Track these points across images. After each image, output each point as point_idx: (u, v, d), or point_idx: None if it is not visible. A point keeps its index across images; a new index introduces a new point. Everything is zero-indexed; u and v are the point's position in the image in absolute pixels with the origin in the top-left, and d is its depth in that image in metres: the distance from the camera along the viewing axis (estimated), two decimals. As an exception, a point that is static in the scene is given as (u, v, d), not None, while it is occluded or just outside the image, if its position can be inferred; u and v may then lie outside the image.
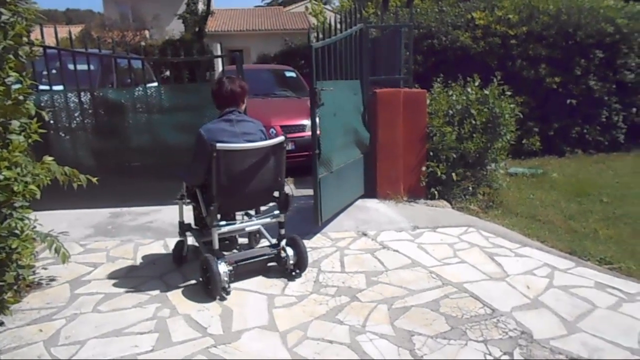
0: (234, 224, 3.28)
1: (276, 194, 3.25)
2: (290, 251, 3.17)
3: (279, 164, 3.10)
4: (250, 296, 3.00)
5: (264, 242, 3.59)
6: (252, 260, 3.27)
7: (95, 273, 3.39)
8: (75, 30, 21.36)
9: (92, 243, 3.94)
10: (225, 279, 2.96)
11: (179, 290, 3.10)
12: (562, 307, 2.77)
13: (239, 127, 3.04)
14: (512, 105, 4.90)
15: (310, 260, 3.36)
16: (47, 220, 4.41)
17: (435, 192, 4.78)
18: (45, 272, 3.40)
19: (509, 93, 4.97)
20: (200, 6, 21.66)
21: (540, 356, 2.33)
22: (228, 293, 2.98)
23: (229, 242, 3.70)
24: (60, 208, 4.61)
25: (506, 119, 4.84)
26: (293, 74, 8.01)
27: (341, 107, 4.16)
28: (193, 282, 3.20)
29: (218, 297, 2.96)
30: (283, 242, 3.22)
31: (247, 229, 3.39)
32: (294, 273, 3.18)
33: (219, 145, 2.84)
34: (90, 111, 4.76)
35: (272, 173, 3.09)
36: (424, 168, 4.74)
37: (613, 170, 6.78)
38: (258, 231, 3.57)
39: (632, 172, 6.60)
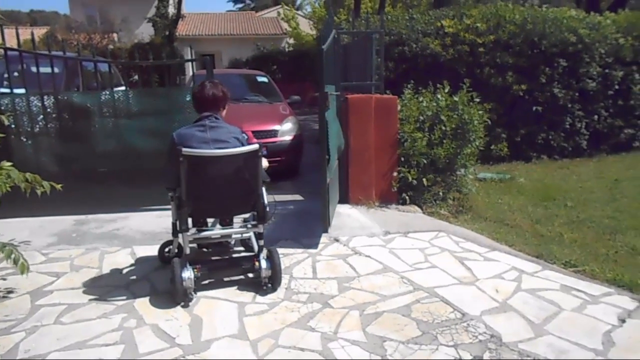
0: (205, 230, 3.24)
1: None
2: (264, 263, 3.05)
3: (254, 172, 2.97)
4: (220, 304, 2.94)
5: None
6: (225, 268, 3.26)
7: (58, 283, 3.27)
8: (40, 32, 20.76)
9: (55, 252, 3.80)
10: (190, 285, 2.91)
11: (146, 299, 3.02)
12: (529, 310, 2.81)
13: (211, 133, 2.97)
14: (480, 112, 5.00)
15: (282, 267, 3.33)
16: (7, 229, 4.27)
17: (407, 198, 4.82)
18: (3, 282, 3.26)
19: (477, 100, 5.06)
20: (171, 10, 21.39)
21: (509, 359, 2.36)
22: (190, 299, 2.93)
23: (219, 248, 3.65)
24: (22, 215, 4.46)
25: (475, 125, 4.92)
26: (265, 79, 7.97)
27: (334, 112, 4.15)
28: (161, 291, 3.11)
29: (182, 304, 2.91)
30: (263, 254, 3.10)
31: (225, 235, 3.39)
32: (265, 287, 3.06)
33: (184, 150, 2.80)
34: (54, 115, 4.61)
35: (245, 182, 2.97)
36: (395, 173, 4.77)
37: (577, 175, 6.98)
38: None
39: (595, 177, 6.82)
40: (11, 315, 2.85)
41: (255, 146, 2.97)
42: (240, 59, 20.16)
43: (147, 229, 4.26)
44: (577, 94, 7.92)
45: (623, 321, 2.70)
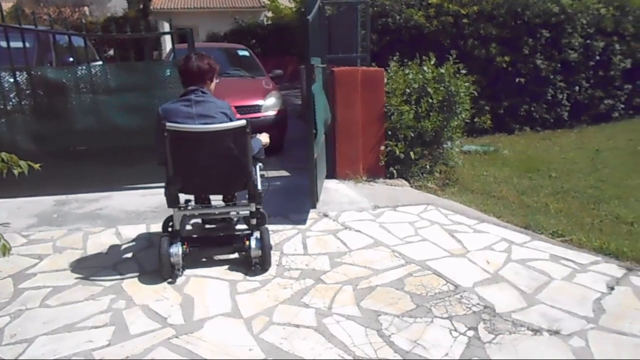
0: (198, 207, 3.22)
1: None
2: (254, 243, 2.96)
3: (242, 149, 2.84)
4: (211, 283, 2.90)
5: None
6: (215, 246, 3.22)
7: (41, 265, 3.17)
8: (6, 6, 19.85)
9: (36, 233, 3.68)
10: (177, 260, 2.88)
11: (135, 279, 2.95)
12: (520, 281, 2.84)
13: (196, 108, 2.85)
14: (467, 84, 4.96)
15: (272, 243, 3.29)
16: (-17, 211, 4.13)
17: (394, 171, 4.80)
18: (-16, 266, 3.14)
19: (463, 71, 5.02)
20: (145, -19, 20.60)
21: (503, 329, 2.38)
22: (177, 276, 2.91)
23: (222, 224, 3.61)
24: (-1, 197, 4.30)
25: (462, 97, 4.89)
26: (246, 53, 7.77)
27: (320, 85, 4.05)
28: (149, 270, 3.05)
29: (169, 280, 2.88)
30: (256, 234, 3.00)
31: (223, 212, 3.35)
32: (253, 267, 2.99)
33: (168, 125, 2.72)
34: (27, 92, 4.41)
35: (234, 159, 2.85)
36: (382, 147, 4.73)
37: (559, 146, 7.06)
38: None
39: (576, 147, 6.90)
40: (-7, 299, 2.76)
41: (243, 122, 2.82)
42: (218, 33, 19.65)
43: (131, 208, 4.16)
44: (559, 65, 7.96)
45: (612, 288, 2.75)
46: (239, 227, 3.61)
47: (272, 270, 3.03)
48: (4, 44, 4.37)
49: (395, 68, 5.15)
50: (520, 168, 5.76)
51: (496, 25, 7.60)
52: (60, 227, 3.80)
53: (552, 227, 3.72)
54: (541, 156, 6.41)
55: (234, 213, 3.37)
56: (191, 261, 3.06)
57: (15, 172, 3.13)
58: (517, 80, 7.81)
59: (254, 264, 3.00)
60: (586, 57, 8.11)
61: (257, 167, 3.21)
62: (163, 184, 4.27)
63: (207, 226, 3.65)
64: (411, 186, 4.74)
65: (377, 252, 3.26)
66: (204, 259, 3.17)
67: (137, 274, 3.03)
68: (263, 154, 3.29)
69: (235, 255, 3.18)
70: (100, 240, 3.54)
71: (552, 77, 7.95)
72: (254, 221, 3.09)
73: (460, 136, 5.23)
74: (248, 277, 2.95)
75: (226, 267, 3.09)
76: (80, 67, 4.49)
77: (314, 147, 3.70)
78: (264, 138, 3.33)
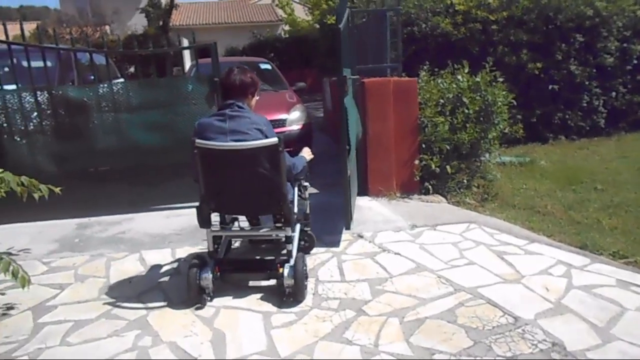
0: (228, 228, 3.06)
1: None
2: (287, 271, 2.72)
3: (275, 168, 2.62)
4: (243, 315, 2.66)
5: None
6: (248, 271, 3.02)
7: (62, 296, 2.98)
8: (30, 27, 20.26)
9: (57, 260, 3.51)
10: (207, 284, 2.73)
11: (161, 312, 2.73)
12: (588, 311, 2.53)
13: (230, 123, 2.67)
14: (504, 92, 4.68)
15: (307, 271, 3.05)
16: (4, 235, 3.98)
17: (430, 187, 4.52)
18: (3, 298, 2.96)
19: (500, 80, 4.74)
20: (163, -1, 20.86)
21: (579, 371, 2.08)
22: (206, 301, 2.74)
23: (271, 244, 3.47)
24: (20, 220, 4.18)
25: (499, 107, 4.61)
26: (268, 66, 7.61)
27: (351, 98, 3.82)
28: (176, 301, 2.82)
29: (197, 305, 2.72)
30: (291, 260, 2.78)
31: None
32: (284, 298, 2.73)
33: (197, 141, 2.60)
34: (49, 112, 4.27)
35: (265, 178, 2.64)
36: (416, 162, 4.46)
37: (599, 155, 6.69)
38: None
39: (618, 157, 6.52)
40: (12, 336, 2.57)
41: (274, 139, 2.62)
42: (236, 48, 19.73)
43: (155, 231, 3.96)
44: (594, 71, 7.59)
45: (696, 320, 2.42)
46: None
47: (309, 300, 2.78)
48: (25, 63, 4.27)
49: (426, 77, 4.90)
50: (561, 180, 5.42)
51: (527, 31, 7.29)
52: (82, 252, 3.62)
53: (610, 246, 3.40)
54: (582, 166, 6.05)
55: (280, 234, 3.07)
56: (222, 287, 2.85)
57: (36, 196, 3.00)
58: (550, 87, 7.46)
59: (287, 294, 2.75)
60: (623, 62, 7.73)
61: (297, 188, 3.01)
62: (187, 205, 4.15)
63: (262, 246, 3.50)
64: (448, 202, 4.46)
65: (422, 278, 2.98)
66: (235, 285, 2.94)
67: (163, 304, 2.81)
68: (305, 173, 3.08)
69: (271, 282, 2.93)
70: (124, 267, 3.34)
71: (587, 83, 7.57)
72: (289, 247, 2.86)
73: (498, 148, 4.94)
74: (283, 309, 2.70)
75: (259, 295, 2.85)
76: (101, 85, 4.35)
77: (347, 164, 3.46)
78: (307, 154, 3.13)
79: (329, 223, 3.87)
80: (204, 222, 2.77)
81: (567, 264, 3.07)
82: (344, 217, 3.68)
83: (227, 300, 2.79)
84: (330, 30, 8.52)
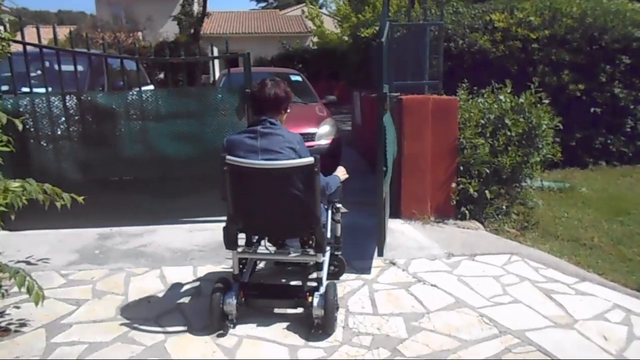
0: (255, 249, 2.88)
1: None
2: (317, 301, 2.53)
3: (309, 190, 2.46)
4: (267, 347, 2.46)
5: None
6: (275, 298, 2.81)
7: (78, 314, 2.82)
8: (66, 31, 20.73)
9: (76, 272, 3.37)
10: (231, 310, 2.56)
11: (180, 337, 2.55)
12: (655, 368, 2.25)
13: (262, 142, 2.52)
14: (550, 115, 4.41)
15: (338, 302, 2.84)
16: (25, 243, 3.87)
17: (466, 212, 4.26)
18: (17, 312, 2.83)
19: (546, 101, 4.47)
20: (196, 7, 21.10)
21: None
22: (228, 327, 2.57)
23: (298, 267, 3.26)
24: (41, 227, 4.07)
25: (544, 130, 4.34)
26: (299, 78, 7.47)
27: (390, 116, 3.62)
28: (197, 327, 2.64)
29: (218, 332, 2.54)
30: (322, 289, 2.60)
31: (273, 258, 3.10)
32: (312, 330, 2.55)
33: (228, 158, 2.45)
34: (76, 117, 4.18)
35: (298, 200, 2.48)
36: (454, 184, 4.22)
37: (644, 184, 6.30)
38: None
39: (666, 186, 6.13)
40: (23, 355, 2.42)
41: (310, 159, 2.44)
42: (265, 58, 19.80)
43: (177, 245, 3.81)
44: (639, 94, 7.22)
45: None
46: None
47: (338, 334, 2.56)
48: (57, 67, 4.20)
49: (464, 96, 4.67)
50: (605, 210, 5.08)
51: (569, 51, 6.97)
52: (101, 265, 3.48)
53: (670, 289, 3.09)
54: (626, 196, 5.69)
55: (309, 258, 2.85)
56: (245, 313, 2.67)
57: (58, 205, 2.88)
58: (592, 110, 7.11)
59: (316, 326, 2.55)
60: (670, 86, 7.33)
61: (330, 211, 2.84)
62: (211, 219, 4.00)
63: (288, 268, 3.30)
64: (486, 229, 4.19)
65: (462, 316, 2.73)
66: (259, 312, 2.75)
67: (183, 329, 2.63)
68: (340, 194, 2.89)
69: (299, 310, 2.72)
70: (143, 284, 3.17)
71: (631, 107, 7.20)
72: (320, 274, 2.66)
73: (540, 173, 4.65)
74: (310, 342, 2.49)
75: (285, 324, 2.65)
76: (130, 93, 4.24)
77: (383, 185, 3.24)
78: (342, 174, 2.96)
79: (358, 247, 3.65)
80: (231, 243, 2.62)
81: (625, 309, 2.78)
82: (377, 242, 3.45)
83: (251, 329, 2.60)
84: (364, 43, 8.36)
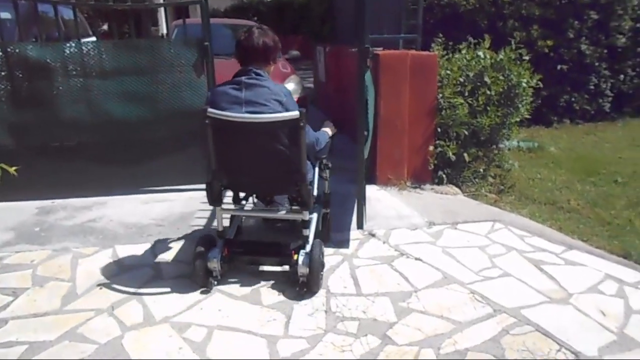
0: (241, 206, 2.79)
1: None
2: (302, 259, 2.46)
3: (295, 145, 2.35)
4: (241, 340, 2.17)
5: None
6: (260, 254, 2.73)
7: (16, 306, 2.42)
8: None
9: (12, 255, 2.93)
10: (215, 266, 2.51)
11: (140, 333, 2.21)
12: (659, 346, 2.12)
13: (246, 93, 2.39)
14: (529, 73, 4.19)
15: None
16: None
17: (443, 176, 4.05)
18: (-61, 308, 2.39)
19: (526, 58, 4.24)
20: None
21: None
22: (212, 284, 2.53)
23: (287, 224, 3.14)
24: (-31, 202, 3.53)
25: (525, 89, 4.13)
26: (259, 31, 6.90)
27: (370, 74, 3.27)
28: (159, 318, 2.31)
29: (202, 288, 2.51)
30: (307, 247, 2.51)
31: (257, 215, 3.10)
32: (297, 289, 2.48)
33: (209, 110, 2.36)
34: (3, 74, 3.59)
35: (283, 156, 2.38)
36: (431, 147, 3.97)
37: (608, 142, 6.32)
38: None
39: (630, 145, 6.16)
40: (-53, 363, 2.02)
41: (296, 113, 2.32)
42: (218, 9, 18.64)
43: (132, 219, 3.40)
44: (605, 51, 7.16)
45: None
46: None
47: (320, 319, 2.30)
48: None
49: (438, 52, 4.35)
50: (576, 170, 5.02)
51: (540, 5, 6.77)
52: (43, 245, 3.04)
53: (655, 255, 3.01)
54: (594, 155, 5.67)
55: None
56: (230, 269, 2.64)
57: None
58: (558, 67, 7.01)
59: (301, 284, 2.48)
60: (635, 43, 7.31)
61: (317, 167, 2.78)
62: (169, 188, 3.66)
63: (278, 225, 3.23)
64: (464, 194, 4.00)
65: (452, 293, 2.53)
66: (243, 272, 2.62)
67: (142, 322, 2.29)
68: (327, 151, 2.78)
69: (284, 267, 2.63)
70: (94, 267, 2.78)
71: (597, 64, 7.15)
72: (306, 232, 2.56)
73: (517, 134, 4.48)
74: (290, 331, 2.22)
75: (266, 285, 2.55)
76: (68, 45, 3.66)
77: (363, 152, 2.94)
78: (330, 129, 2.83)
79: (334, 217, 3.36)
80: (215, 199, 2.54)
81: (617, 280, 2.65)
82: (357, 214, 3.17)
83: (223, 319, 2.30)
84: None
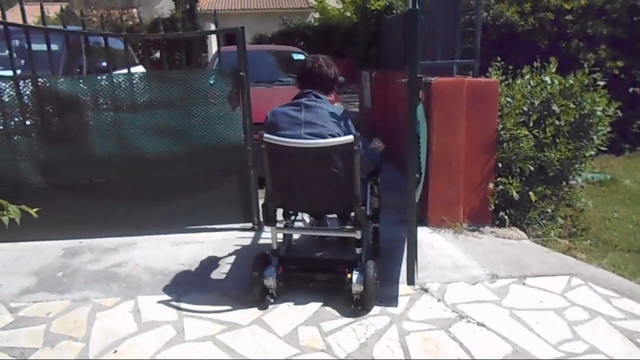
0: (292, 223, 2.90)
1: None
2: (356, 277, 2.48)
3: (348, 168, 2.40)
4: None
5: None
6: (314, 272, 2.73)
7: (21, 373, 2.16)
8: (54, 9, 19.74)
9: (29, 305, 2.70)
10: (271, 284, 2.56)
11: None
12: None
13: (306, 114, 2.47)
14: (606, 101, 3.68)
15: (356, 343, 2.22)
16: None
17: (505, 218, 3.57)
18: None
19: (600, 83, 3.73)
20: (192, -18, 20.13)
21: None
22: (268, 302, 2.57)
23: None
24: (-2, 239, 3.39)
25: (600, 119, 3.61)
26: (302, 57, 6.69)
27: (422, 108, 2.93)
28: (173, 396, 1.98)
29: (259, 306, 2.55)
30: (360, 265, 2.55)
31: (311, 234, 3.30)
32: (352, 306, 2.51)
33: (265, 136, 2.41)
34: (33, 108, 3.45)
35: (337, 178, 2.44)
36: (491, 185, 3.51)
37: (693, 175, 5.59)
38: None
39: None
40: None
41: (349, 138, 2.36)
42: (265, 35, 18.88)
43: (159, 264, 3.13)
44: (684, 72, 6.45)
45: None
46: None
47: (364, 407, 1.90)
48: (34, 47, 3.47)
49: (496, 77, 3.91)
50: (660, 208, 4.39)
51: (608, 23, 6.19)
52: (62, 294, 2.81)
53: None
54: (677, 190, 4.99)
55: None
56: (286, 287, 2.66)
57: (5, 219, 2.24)
58: (630, 90, 6.36)
59: (355, 301, 2.50)
60: None
61: (369, 186, 2.79)
62: (201, 227, 3.53)
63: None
64: (530, 238, 3.49)
65: (526, 376, 2.06)
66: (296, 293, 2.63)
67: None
68: (378, 168, 2.82)
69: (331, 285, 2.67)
70: (112, 324, 2.50)
71: (674, 86, 6.45)
72: (359, 250, 2.61)
73: (591, 169, 3.94)
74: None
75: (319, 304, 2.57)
76: (98, 78, 3.48)
77: (415, 196, 2.54)
78: (379, 146, 2.81)
79: (379, 266, 2.96)
80: (270, 220, 2.62)
81: None
82: (408, 266, 2.73)
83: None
84: (374, 17, 7.54)
